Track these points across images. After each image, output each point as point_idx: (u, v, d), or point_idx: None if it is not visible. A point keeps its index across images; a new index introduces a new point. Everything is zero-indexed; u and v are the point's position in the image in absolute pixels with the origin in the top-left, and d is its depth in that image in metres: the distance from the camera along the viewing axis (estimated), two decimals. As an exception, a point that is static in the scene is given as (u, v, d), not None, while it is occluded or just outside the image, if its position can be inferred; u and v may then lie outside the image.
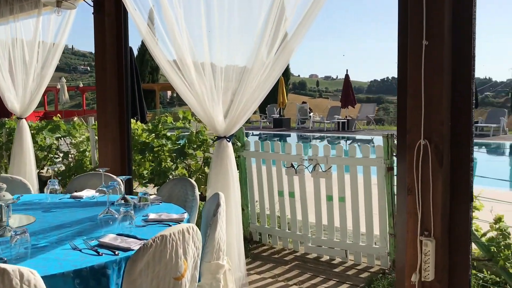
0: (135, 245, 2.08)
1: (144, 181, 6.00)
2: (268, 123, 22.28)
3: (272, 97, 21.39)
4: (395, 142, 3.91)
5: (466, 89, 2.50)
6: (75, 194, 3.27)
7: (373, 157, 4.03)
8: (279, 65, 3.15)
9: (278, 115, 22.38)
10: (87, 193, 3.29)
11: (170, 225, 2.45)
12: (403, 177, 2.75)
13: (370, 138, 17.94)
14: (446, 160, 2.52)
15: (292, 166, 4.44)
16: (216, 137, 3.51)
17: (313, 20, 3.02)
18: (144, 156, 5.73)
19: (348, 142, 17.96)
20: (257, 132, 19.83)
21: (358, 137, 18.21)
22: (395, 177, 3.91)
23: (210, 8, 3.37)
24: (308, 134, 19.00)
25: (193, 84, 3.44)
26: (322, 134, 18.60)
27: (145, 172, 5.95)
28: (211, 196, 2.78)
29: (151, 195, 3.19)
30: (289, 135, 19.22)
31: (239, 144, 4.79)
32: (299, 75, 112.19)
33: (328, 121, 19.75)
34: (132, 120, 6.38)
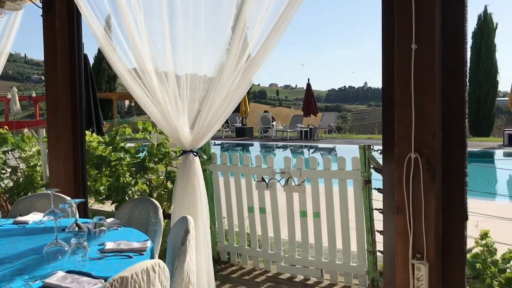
0: (88, 285, 1.73)
1: (100, 198, 5.56)
2: (230, 132, 21.97)
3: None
4: (372, 153, 3.69)
5: (459, 97, 2.29)
6: (20, 218, 2.84)
7: (349, 169, 3.79)
8: (251, 72, 2.87)
9: (240, 124, 22.12)
10: (33, 217, 2.87)
11: (130, 256, 2.11)
12: (390, 194, 2.51)
13: (332, 147, 17.96)
14: (439, 175, 2.30)
15: (263, 180, 4.16)
16: (181, 151, 3.18)
17: (287, 25, 2.76)
18: (101, 171, 5.30)
19: (311, 150, 17.91)
20: (219, 142, 19.46)
21: (320, 145, 18.20)
22: (372, 191, 3.70)
23: (173, 11, 3.05)
24: (271, 143, 18.82)
25: (154, 92, 3.10)
26: (285, 143, 18.46)
27: (101, 188, 5.51)
28: (177, 220, 2.44)
29: (108, 217, 2.82)
30: (252, 144, 18.99)
31: (205, 157, 4.46)
32: (259, 84, 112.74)
33: (291, 130, 19.64)
34: (88, 132, 5.94)
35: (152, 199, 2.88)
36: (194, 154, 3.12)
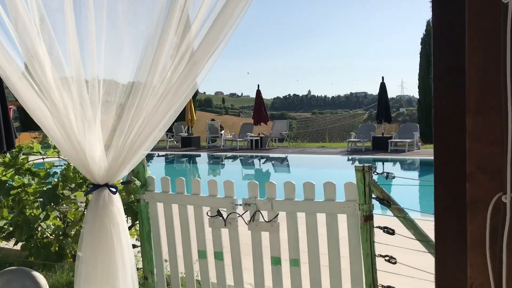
0: None
1: (2, 235, 4.22)
2: (175, 142, 20.59)
3: (179, 115, 19.81)
4: (374, 178, 2.65)
5: None
6: None
7: (341, 199, 2.73)
8: (201, 57, 1.74)
9: (186, 134, 20.81)
10: None
11: None
12: (450, 258, 1.47)
13: (284, 156, 17.05)
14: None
15: (220, 214, 3.02)
16: (91, 185, 1.99)
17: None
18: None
19: (262, 161, 16.92)
20: (163, 153, 18.05)
21: (272, 155, 17.24)
22: (374, 230, 2.66)
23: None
24: (220, 153, 17.64)
25: (47, 89, 1.90)
26: (234, 154, 17.35)
27: (2, 222, 4.17)
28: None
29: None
30: (199, 155, 17.75)
31: (138, 183, 3.26)
32: (204, 92, 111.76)
33: (241, 139, 18.56)
34: (-14, 149, 4.58)
35: (34, 272, 1.67)
36: (111, 191, 1.93)
